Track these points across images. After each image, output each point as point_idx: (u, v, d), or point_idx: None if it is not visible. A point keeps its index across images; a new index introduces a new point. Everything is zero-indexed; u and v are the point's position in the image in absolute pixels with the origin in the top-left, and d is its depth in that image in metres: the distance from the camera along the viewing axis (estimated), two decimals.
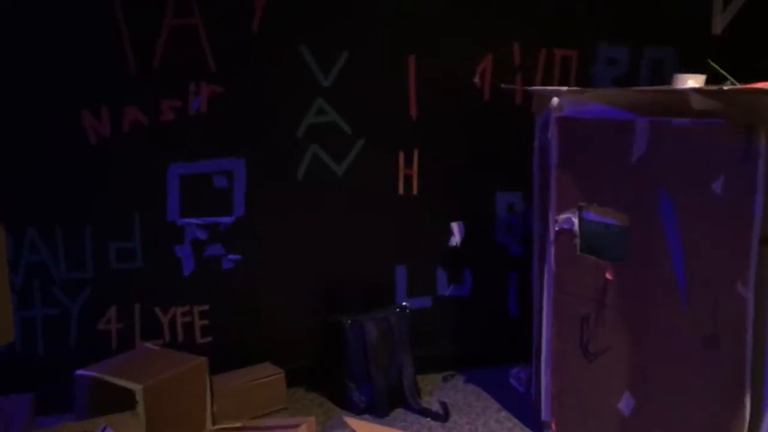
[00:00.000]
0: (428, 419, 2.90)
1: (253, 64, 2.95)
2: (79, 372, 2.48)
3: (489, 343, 3.37)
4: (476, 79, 3.18)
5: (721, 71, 2.29)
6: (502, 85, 3.01)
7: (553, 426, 2.69)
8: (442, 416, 2.90)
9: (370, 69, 3.06)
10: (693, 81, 2.24)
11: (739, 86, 1.98)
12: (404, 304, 3.15)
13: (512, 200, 3.34)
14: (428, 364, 3.22)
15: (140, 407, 2.35)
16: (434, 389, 3.18)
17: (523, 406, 2.95)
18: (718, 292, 2.13)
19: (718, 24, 3.40)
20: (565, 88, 2.53)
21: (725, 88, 2.04)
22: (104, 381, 2.43)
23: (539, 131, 2.78)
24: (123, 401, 2.36)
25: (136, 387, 2.35)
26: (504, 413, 2.94)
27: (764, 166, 2.00)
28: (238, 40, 2.93)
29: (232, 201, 3.03)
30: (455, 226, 3.27)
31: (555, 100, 2.53)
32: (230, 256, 3.05)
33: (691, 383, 2.22)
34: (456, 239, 3.27)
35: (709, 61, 2.31)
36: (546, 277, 2.67)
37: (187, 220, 2.99)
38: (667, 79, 3.36)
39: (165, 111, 2.91)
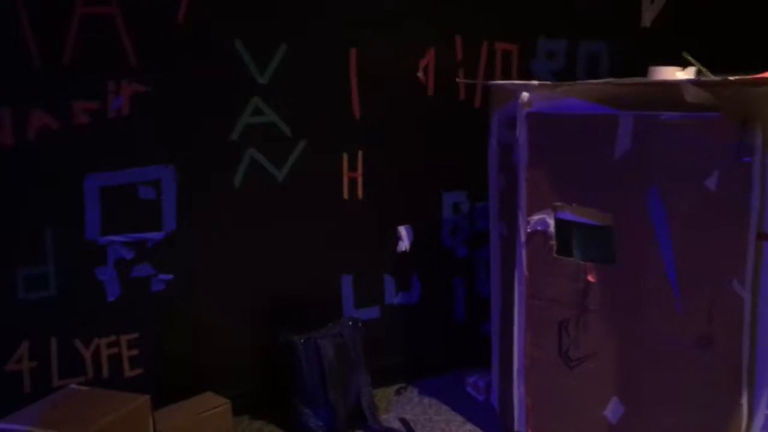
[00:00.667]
0: None
1: (181, 59, 2.62)
2: None
3: (439, 351, 3.22)
4: (420, 74, 3.00)
5: (697, 63, 2.23)
6: (458, 80, 2.86)
7: None
8: None
9: (311, 64, 2.81)
10: (681, 74, 2.17)
11: (735, 77, 1.92)
12: (355, 317, 2.93)
13: (458, 200, 3.20)
14: (379, 377, 3.01)
15: None
16: (389, 404, 2.98)
17: (487, 417, 2.82)
18: (713, 292, 2.08)
19: (647, 17, 3.42)
20: (536, 83, 2.40)
21: (718, 79, 1.98)
22: None
23: (498, 128, 2.65)
24: None
25: None
26: (469, 426, 2.79)
27: (760, 161, 1.97)
28: (162, 31, 2.58)
29: (161, 214, 2.68)
30: (403, 231, 3.09)
31: (525, 95, 2.39)
32: (161, 276, 2.70)
33: (684, 386, 2.16)
34: (405, 244, 3.09)
35: (684, 53, 2.25)
36: (517, 282, 2.53)
37: (110, 237, 2.61)
38: (602, 73, 3.37)
39: (79, 114, 2.52)
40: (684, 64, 2.27)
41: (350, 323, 2.84)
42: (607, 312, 2.30)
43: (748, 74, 1.95)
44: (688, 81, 2.00)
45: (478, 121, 3.03)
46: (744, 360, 2.05)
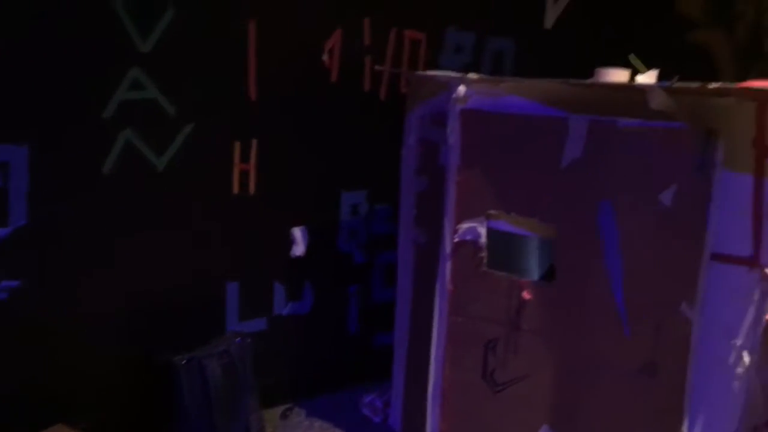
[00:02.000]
0: None
1: (41, 17, 2.10)
2: None
3: (331, 367, 2.90)
4: (325, 57, 2.66)
5: (643, 66, 2.09)
6: (377, 68, 2.55)
7: None
8: None
9: (202, 33, 2.38)
10: (620, 76, 2.01)
11: (704, 86, 1.78)
12: (243, 331, 2.54)
13: (357, 201, 2.90)
14: (265, 397, 2.64)
15: None
16: (276, 429, 2.62)
17: None
18: (662, 315, 1.94)
19: (550, 17, 3.31)
20: (475, 75, 2.15)
21: (690, 86, 1.84)
22: None
23: (419, 124, 2.38)
24: None
25: None
26: None
27: (720, 176, 1.85)
28: None
29: (8, 206, 2.14)
30: (298, 233, 2.73)
31: (461, 90, 2.14)
32: (4, 283, 2.16)
33: (624, 414, 2.01)
34: (299, 248, 2.73)
35: (631, 56, 2.10)
36: (438, 296, 2.28)
37: None
38: (506, 72, 3.21)
39: None
40: (628, 67, 2.13)
41: (238, 339, 2.46)
42: (543, 333, 2.10)
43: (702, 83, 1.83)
44: (658, 85, 1.83)
45: (383, 115, 2.77)
46: (688, 387, 1.93)
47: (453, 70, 2.94)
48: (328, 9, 2.65)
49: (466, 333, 2.24)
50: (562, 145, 2.01)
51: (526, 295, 2.11)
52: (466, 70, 2.97)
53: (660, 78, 2.08)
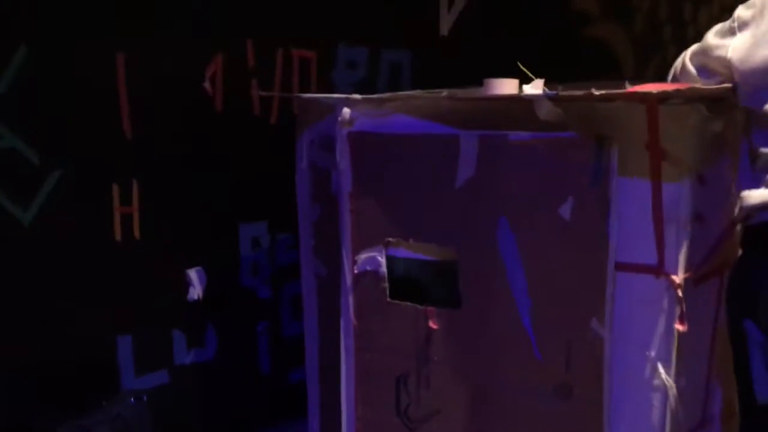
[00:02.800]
0: None
1: None
2: None
3: (243, 413, 2.72)
4: (206, 85, 2.49)
5: (529, 73, 2.00)
6: (261, 93, 2.39)
7: None
8: None
9: (63, 70, 2.18)
10: (529, 87, 1.90)
11: (590, 92, 1.69)
12: (138, 389, 2.34)
13: (257, 233, 2.73)
14: None
15: None
16: None
17: None
18: (571, 333, 1.84)
19: (445, 25, 3.22)
20: (358, 96, 2.01)
21: (573, 93, 1.74)
22: None
23: (309, 148, 2.23)
24: None
25: None
26: None
27: (615, 184, 1.76)
28: None
29: None
30: (194, 274, 2.54)
31: (346, 112, 2.00)
32: None
33: None
34: (196, 290, 2.55)
35: (518, 63, 2.00)
36: (343, 332, 2.13)
37: None
38: (405, 84, 3.10)
39: None
40: (519, 76, 2.03)
41: (133, 399, 2.26)
42: (453, 363, 1.97)
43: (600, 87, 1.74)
44: (543, 95, 1.73)
45: (276, 140, 2.60)
46: (605, 406, 1.84)
47: (348, 86, 2.84)
48: (206, 33, 2.48)
49: (375, 368, 2.09)
50: (455, 164, 1.88)
51: (432, 324, 1.98)
52: (362, 86, 2.87)
53: (562, 81, 2.00)
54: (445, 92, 1.97)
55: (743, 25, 1.82)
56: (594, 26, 4.02)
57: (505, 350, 1.90)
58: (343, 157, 2.04)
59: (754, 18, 1.80)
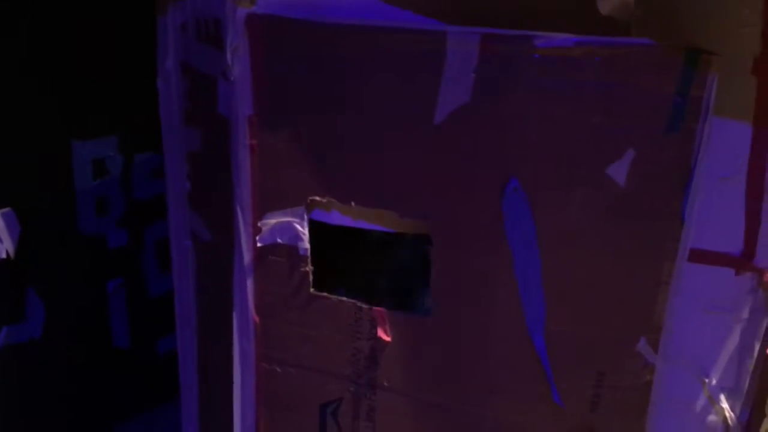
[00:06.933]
0: None
1: None
2: None
3: (91, 408, 1.95)
4: None
5: None
6: None
7: None
8: None
9: None
10: None
11: None
12: None
13: (102, 153, 1.84)
14: None
15: None
16: None
17: None
18: (606, 361, 1.19)
19: None
20: None
21: None
22: None
23: (181, 39, 1.38)
24: None
25: None
26: None
27: (710, 129, 1.07)
28: None
29: None
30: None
31: None
32: None
33: None
34: (5, 244, 1.68)
35: None
36: (236, 332, 1.38)
37: None
38: None
39: None
40: None
41: None
42: (415, 394, 1.28)
43: None
44: None
45: (135, 16, 1.73)
46: None
47: None
48: None
49: (288, 389, 1.37)
50: (436, 84, 1.10)
51: (382, 334, 1.26)
52: None
53: None
54: None
55: None
56: None
57: (504, 385, 1.22)
58: (240, 58, 1.20)
59: None
